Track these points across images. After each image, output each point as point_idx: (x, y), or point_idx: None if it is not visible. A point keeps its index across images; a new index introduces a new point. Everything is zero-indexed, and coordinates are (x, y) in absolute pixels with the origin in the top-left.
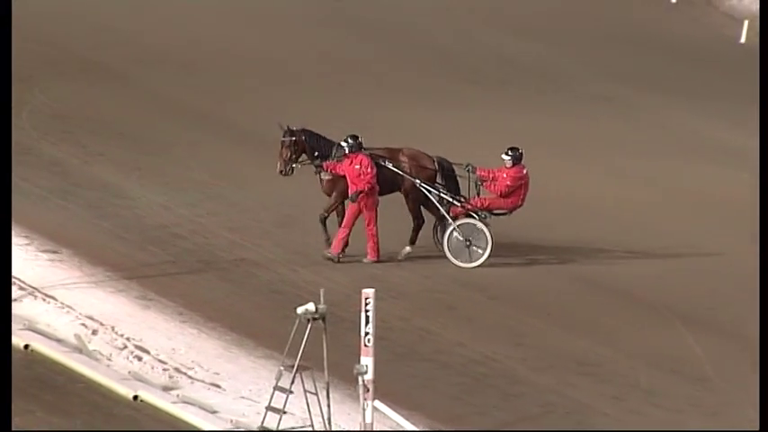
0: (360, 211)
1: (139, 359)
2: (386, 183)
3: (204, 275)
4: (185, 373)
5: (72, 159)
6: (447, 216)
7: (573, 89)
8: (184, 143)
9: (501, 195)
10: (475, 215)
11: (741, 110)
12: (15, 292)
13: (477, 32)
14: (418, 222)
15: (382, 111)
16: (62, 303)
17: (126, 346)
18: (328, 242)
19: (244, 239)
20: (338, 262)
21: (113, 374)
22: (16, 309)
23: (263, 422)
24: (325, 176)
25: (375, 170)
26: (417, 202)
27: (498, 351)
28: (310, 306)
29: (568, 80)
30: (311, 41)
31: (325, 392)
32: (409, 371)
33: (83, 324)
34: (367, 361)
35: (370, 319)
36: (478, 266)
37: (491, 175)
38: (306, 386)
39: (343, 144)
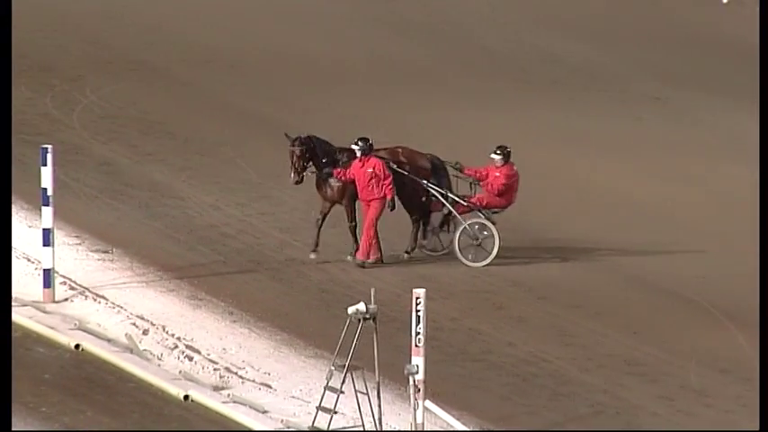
0: (380, 214)
1: (190, 359)
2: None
3: (254, 275)
4: (236, 373)
5: (122, 159)
6: (457, 215)
7: (622, 89)
8: (233, 143)
9: (497, 194)
10: (480, 213)
11: None
12: (66, 292)
13: (526, 33)
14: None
15: (430, 112)
16: (113, 303)
17: (177, 346)
18: (316, 248)
19: (294, 239)
20: (366, 267)
21: (164, 374)
22: (67, 308)
23: (313, 422)
24: (335, 183)
25: (392, 175)
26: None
27: (548, 351)
28: (361, 306)
29: (617, 80)
30: (360, 42)
31: (375, 392)
32: (459, 371)
33: (133, 324)
34: (418, 361)
35: (421, 319)
36: (485, 265)
37: (480, 174)
38: (357, 386)
39: (354, 147)
